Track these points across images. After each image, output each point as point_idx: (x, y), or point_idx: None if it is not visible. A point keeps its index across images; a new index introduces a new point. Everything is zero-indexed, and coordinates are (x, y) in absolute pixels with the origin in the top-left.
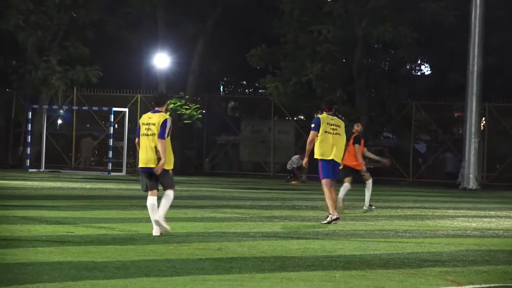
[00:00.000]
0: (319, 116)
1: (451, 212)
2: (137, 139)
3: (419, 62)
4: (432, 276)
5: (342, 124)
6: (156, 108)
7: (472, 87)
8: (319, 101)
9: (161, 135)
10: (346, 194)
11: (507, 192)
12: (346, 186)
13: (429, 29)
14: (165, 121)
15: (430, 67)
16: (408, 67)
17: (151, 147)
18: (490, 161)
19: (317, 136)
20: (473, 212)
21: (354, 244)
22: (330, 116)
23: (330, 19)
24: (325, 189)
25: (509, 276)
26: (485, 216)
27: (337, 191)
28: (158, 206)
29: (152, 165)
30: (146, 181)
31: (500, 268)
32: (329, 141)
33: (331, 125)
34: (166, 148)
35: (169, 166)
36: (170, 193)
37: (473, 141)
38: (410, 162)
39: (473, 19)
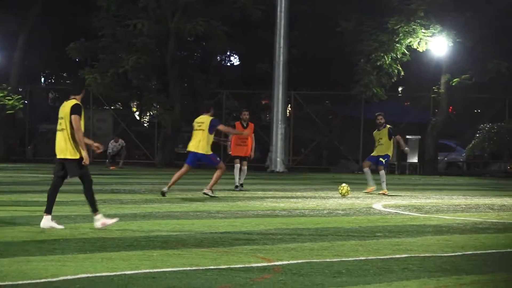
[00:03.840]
0: None
1: (260, 193)
2: None
3: (228, 53)
4: (243, 253)
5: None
6: None
7: (279, 76)
8: (135, 91)
9: None
10: None
11: (311, 174)
12: None
13: (238, 22)
14: None
15: (239, 58)
16: (218, 58)
17: None
18: (296, 145)
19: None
20: (281, 193)
21: (171, 225)
22: (200, 117)
23: (145, 14)
24: (182, 170)
25: (315, 253)
26: (292, 197)
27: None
28: None
29: None
30: None
31: (307, 245)
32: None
33: (198, 123)
34: None
35: None
36: None
37: (280, 127)
38: (221, 147)
39: (278, 13)
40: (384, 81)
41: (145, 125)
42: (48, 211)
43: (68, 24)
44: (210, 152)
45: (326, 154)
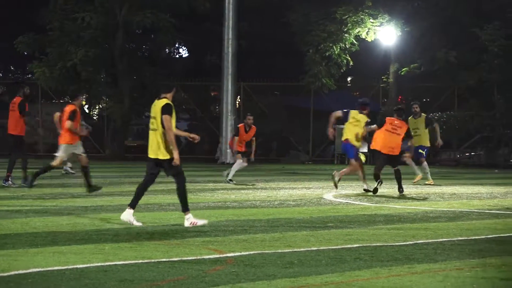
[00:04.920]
0: None
1: (211, 185)
2: None
3: (177, 45)
4: (195, 245)
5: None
6: None
7: (228, 68)
8: (84, 84)
9: None
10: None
11: (262, 165)
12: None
13: (186, 14)
14: None
15: (188, 50)
16: (167, 50)
17: None
18: None
19: None
20: (232, 185)
21: None
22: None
23: (92, 7)
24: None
25: (267, 244)
26: (243, 188)
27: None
28: None
29: None
30: None
31: (258, 236)
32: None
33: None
34: None
35: None
36: None
37: (229, 118)
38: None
39: (226, 4)
40: (333, 71)
41: (95, 118)
42: (133, 205)
43: (16, 18)
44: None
45: (276, 145)
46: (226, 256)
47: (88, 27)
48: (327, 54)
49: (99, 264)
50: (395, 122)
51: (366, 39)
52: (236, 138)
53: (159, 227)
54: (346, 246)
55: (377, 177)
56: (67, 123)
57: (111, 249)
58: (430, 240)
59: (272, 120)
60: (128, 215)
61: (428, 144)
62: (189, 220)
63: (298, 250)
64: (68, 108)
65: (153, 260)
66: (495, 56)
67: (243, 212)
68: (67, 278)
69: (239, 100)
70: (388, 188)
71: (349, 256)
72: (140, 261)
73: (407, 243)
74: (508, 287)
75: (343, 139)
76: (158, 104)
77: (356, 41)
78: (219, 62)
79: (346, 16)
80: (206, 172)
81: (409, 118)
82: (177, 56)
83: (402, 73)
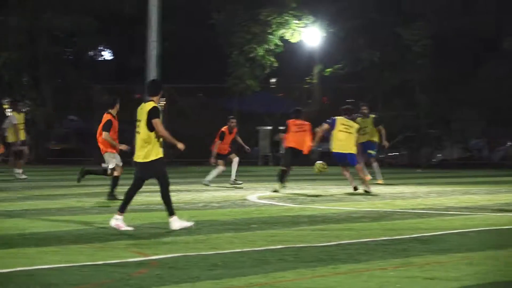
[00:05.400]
0: None
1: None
2: None
3: (101, 48)
4: (119, 249)
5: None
6: None
7: (152, 70)
8: (7, 87)
9: None
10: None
11: (186, 167)
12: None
13: (111, 16)
14: None
15: (112, 53)
16: (91, 53)
17: None
18: None
19: None
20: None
21: (46, 222)
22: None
23: (16, 10)
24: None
25: (191, 246)
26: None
27: None
28: None
29: None
30: None
31: (182, 238)
32: None
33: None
34: None
35: None
36: None
37: None
38: (94, 142)
39: (150, 6)
40: (257, 73)
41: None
42: (122, 210)
43: None
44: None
45: (201, 147)
46: (150, 258)
47: (11, 30)
48: (251, 55)
49: (24, 268)
50: (297, 122)
51: (290, 40)
52: (219, 142)
53: (84, 230)
54: (270, 248)
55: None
56: (103, 134)
57: (36, 253)
58: (354, 241)
59: (196, 121)
60: (115, 221)
61: (376, 139)
62: (175, 223)
63: (222, 252)
64: (104, 118)
65: (77, 264)
66: (418, 56)
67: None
68: None
69: (164, 103)
70: (312, 189)
71: (273, 257)
72: (65, 264)
73: (331, 243)
74: (432, 286)
75: (334, 149)
76: (144, 108)
77: (280, 42)
78: (143, 64)
79: (271, 18)
80: (130, 175)
81: (358, 119)
82: (101, 59)
83: (326, 74)
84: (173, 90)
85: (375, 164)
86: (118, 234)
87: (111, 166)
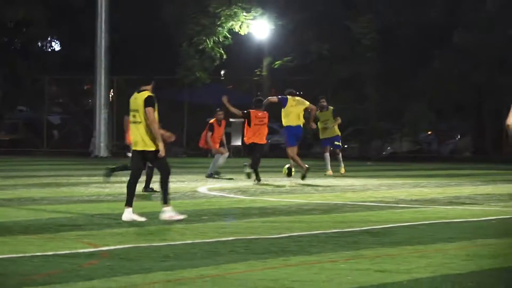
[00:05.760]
0: None
1: (85, 179)
2: None
3: (50, 39)
4: (70, 239)
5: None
6: None
7: (101, 61)
8: None
9: None
10: None
11: None
12: None
13: (59, 7)
14: None
15: (61, 44)
16: (39, 44)
17: None
18: (119, 130)
19: None
20: (107, 179)
21: None
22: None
23: None
24: None
25: (142, 237)
26: (117, 182)
27: None
28: None
29: None
30: None
31: (133, 229)
32: None
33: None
34: None
35: None
36: None
37: (103, 111)
38: (44, 133)
39: None
40: (207, 65)
41: None
42: (129, 203)
43: None
44: None
45: None
46: (100, 250)
47: None
48: (200, 47)
49: None
50: (259, 114)
51: (239, 32)
52: (210, 134)
53: (33, 221)
54: (221, 239)
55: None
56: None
57: None
58: (305, 233)
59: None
60: (129, 215)
61: (338, 133)
62: (167, 213)
63: (174, 243)
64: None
65: (27, 254)
66: (367, 49)
67: (118, 205)
68: None
69: (112, 94)
70: (263, 181)
71: (224, 249)
72: (14, 255)
73: (282, 235)
74: (382, 278)
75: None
76: (139, 97)
77: (229, 34)
78: (92, 55)
79: (220, 10)
80: (80, 165)
81: (317, 112)
82: (50, 49)
83: (275, 66)
84: (122, 81)
85: (339, 156)
86: (69, 225)
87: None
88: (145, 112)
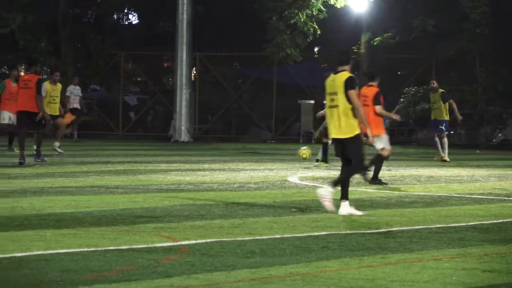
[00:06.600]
0: None
1: (163, 166)
2: None
3: (126, 11)
4: (146, 232)
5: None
6: None
7: (182, 36)
8: (22, 53)
9: None
10: None
11: (220, 144)
12: None
13: None
14: None
15: (138, 16)
16: (115, 16)
17: None
18: (202, 112)
19: None
20: (187, 166)
21: (65, 202)
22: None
23: None
24: None
25: (225, 231)
26: (199, 169)
27: None
28: None
29: None
30: None
31: (216, 222)
32: None
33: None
34: None
35: None
36: None
37: (184, 92)
38: (119, 115)
39: None
40: (298, 41)
41: None
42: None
43: None
44: None
45: (236, 121)
46: (180, 244)
47: None
48: (292, 21)
49: (40, 252)
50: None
51: (335, 5)
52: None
53: (107, 211)
54: (312, 234)
55: None
56: (376, 108)
57: (53, 236)
58: (405, 228)
59: (231, 94)
60: (346, 209)
61: (446, 118)
62: (345, 208)
63: (260, 238)
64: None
65: (99, 249)
66: (477, 24)
67: (199, 195)
68: (4, 267)
69: (194, 72)
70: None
71: (315, 245)
72: (85, 249)
73: (380, 230)
74: (490, 279)
75: None
76: (338, 78)
77: (324, 7)
78: (172, 30)
79: None
80: (158, 151)
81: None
82: (126, 23)
83: (375, 43)
84: (206, 59)
85: (444, 140)
86: (146, 217)
87: (380, 146)
88: (346, 95)
